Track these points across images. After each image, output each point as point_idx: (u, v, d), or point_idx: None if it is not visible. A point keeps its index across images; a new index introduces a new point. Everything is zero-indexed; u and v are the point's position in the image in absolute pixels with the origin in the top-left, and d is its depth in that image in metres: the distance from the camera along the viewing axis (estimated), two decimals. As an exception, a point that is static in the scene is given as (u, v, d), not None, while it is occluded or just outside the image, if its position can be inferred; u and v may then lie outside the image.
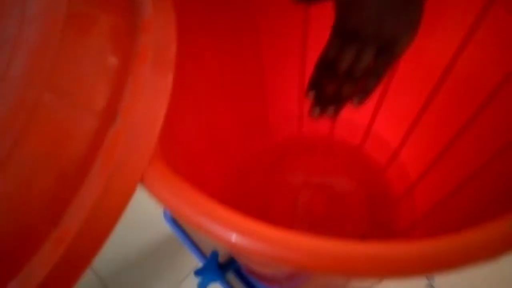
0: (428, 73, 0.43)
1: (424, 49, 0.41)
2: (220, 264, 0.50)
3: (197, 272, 0.48)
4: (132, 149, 0.21)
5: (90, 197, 0.20)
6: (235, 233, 0.19)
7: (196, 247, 0.55)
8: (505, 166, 0.33)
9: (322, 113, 0.38)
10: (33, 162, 0.19)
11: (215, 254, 0.49)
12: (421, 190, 0.50)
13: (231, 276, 0.52)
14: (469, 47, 0.38)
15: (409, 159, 0.52)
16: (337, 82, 0.36)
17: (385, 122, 0.53)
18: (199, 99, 0.44)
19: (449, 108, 0.42)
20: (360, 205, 0.54)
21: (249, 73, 0.50)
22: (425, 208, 0.48)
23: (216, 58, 0.44)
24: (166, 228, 0.99)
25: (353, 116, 0.55)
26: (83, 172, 0.20)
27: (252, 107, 0.54)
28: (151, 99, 0.22)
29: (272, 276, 0.43)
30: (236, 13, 0.42)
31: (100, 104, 0.21)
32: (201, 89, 0.44)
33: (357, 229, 0.52)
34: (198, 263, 0.53)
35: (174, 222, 0.55)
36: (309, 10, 0.44)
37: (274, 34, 0.47)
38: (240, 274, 0.52)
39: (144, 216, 0.99)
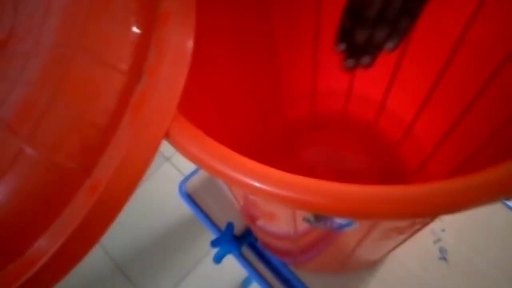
0: (440, 46, 0.43)
1: (435, 19, 0.41)
2: (235, 236, 0.51)
3: (213, 243, 0.49)
4: (157, 105, 0.22)
5: (120, 149, 0.21)
6: (257, 179, 0.20)
7: (212, 222, 0.56)
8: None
9: (356, 64, 0.36)
10: (68, 115, 0.21)
11: (230, 226, 0.51)
12: (434, 164, 0.50)
13: (246, 250, 0.53)
14: (479, 16, 0.37)
15: (423, 132, 0.52)
16: (368, 29, 0.34)
17: (399, 97, 0.53)
18: (213, 75, 0.45)
19: (460, 80, 0.42)
20: (373, 179, 0.54)
21: (263, 51, 0.50)
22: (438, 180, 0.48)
23: (229, 35, 0.45)
24: (181, 208, 1.01)
25: (366, 92, 0.56)
26: (113, 125, 0.22)
27: (266, 84, 0.55)
28: (173, 60, 0.23)
29: (287, 249, 0.44)
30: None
31: (127, 63, 0.22)
32: (215, 65, 0.44)
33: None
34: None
35: (189, 198, 0.56)
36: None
37: (287, 11, 0.47)
38: (255, 248, 0.53)
39: (159, 196, 1.02)
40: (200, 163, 0.22)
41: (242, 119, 0.53)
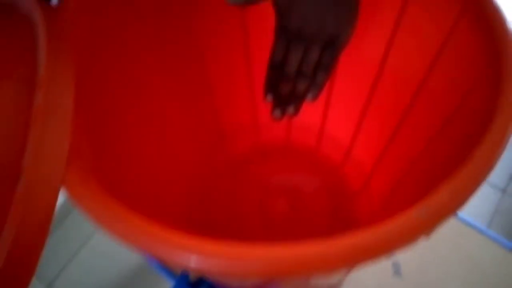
0: (366, 70, 0.46)
1: (359, 47, 0.43)
2: (191, 283, 0.50)
3: (169, 292, 0.48)
4: (35, 205, 0.22)
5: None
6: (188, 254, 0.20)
7: (166, 269, 0.54)
8: (443, 145, 0.36)
9: (283, 113, 0.39)
10: None
11: (184, 275, 0.49)
12: (376, 182, 0.52)
13: (205, 293, 0.51)
14: (394, 44, 0.41)
15: (361, 154, 0.54)
16: (290, 81, 0.37)
17: (335, 121, 0.55)
18: (148, 118, 0.44)
19: (388, 101, 0.45)
20: (321, 204, 0.55)
21: (197, 88, 0.51)
22: (380, 199, 0.50)
23: (160, 75, 0.45)
24: (134, 256, 0.96)
25: (305, 119, 0.58)
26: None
27: (206, 121, 0.55)
28: (50, 157, 0.22)
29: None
30: (175, 28, 0.43)
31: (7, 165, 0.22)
32: (149, 109, 0.44)
33: (321, 225, 0.53)
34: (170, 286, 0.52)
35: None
36: (247, 14, 0.46)
37: (216, 45, 0.48)
38: (214, 289, 0.51)
39: (111, 243, 0.97)
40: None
41: (187, 158, 0.52)
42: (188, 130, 0.51)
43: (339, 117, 0.54)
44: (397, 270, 0.52)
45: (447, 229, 0.54)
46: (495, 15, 0.30)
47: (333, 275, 0.33)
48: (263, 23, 0.42)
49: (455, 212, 0.21)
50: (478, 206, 1.07)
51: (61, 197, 0.23)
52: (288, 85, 0.38)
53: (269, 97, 0.38)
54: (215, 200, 0.57)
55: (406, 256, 0.53)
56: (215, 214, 0.55)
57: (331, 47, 0.35)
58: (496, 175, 1.13)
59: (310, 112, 0.56)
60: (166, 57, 0.44)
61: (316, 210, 0.55)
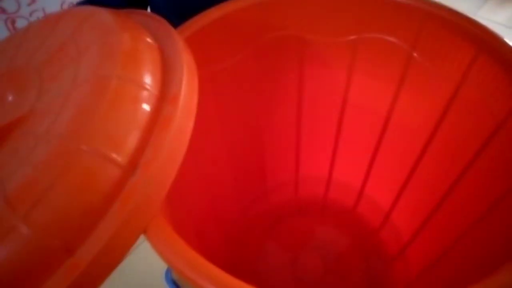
0: (414, 138, 0.47)
1: (409, 114, 0.46)
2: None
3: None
4: (145, 198, 0.25)
5: (104, 235, 0.23)
6: None
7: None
8: (495, 224, 0.36)
9: None
10: (64, 200, 0.23)
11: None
12: (414, 251, 0.52)
13: None
14: (448, 115, 0.42)
15: (400, 220, 0.54)
16: None
17: (376, 184, 0.56)
18: (203, 165, 0.47)
19: (435, 171, 0.46)
20: (356, 266, 0.55)
21: (250, 144, 0.53)
22: (419, 268, 0.50)
23: (219, 128, 0.48)
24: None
25: (346, 179, 0.59)
26: (101, 213, 0.24)
27: (252, 173, 0.57)
28: (167, 157, 0.26)
29: None
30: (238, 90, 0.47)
31: (125, 159, 0.25)
32: (205, 156, 0.47)
33: (355, 289, 0.53)
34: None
35: (176, 284, 0.54)
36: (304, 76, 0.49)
37: (270, 105, 0.51)
38: None
39: (146, 278, 0.96)
40: (178, 273, 0.23)
41: (229, 205, 0.54)
42: (236, 180, 0.53)
43: (381, 180, 0.55)
44: None
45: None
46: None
47: None
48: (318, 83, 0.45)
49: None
50: None
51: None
52: None
53: None
54: (250, 247, 0.57)
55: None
56: (248, 265, 0.56)
57: None
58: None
59: (351, 171, 0.58)
60: (221, 108, 0.47)
61: (350, 273, 0.55)
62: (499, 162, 0.37)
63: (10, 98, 0.28)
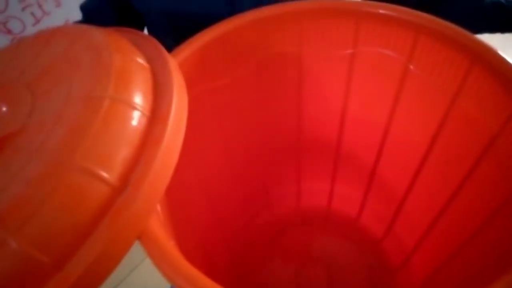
0: (413, 149, 0.48)
1: (407, 125, 0.46)
2: None
3: None
4: (134, 213, 0.25)
5: (93, 249, 0.24)
6: None
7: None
8: (495, 232, 0.37)
9: None
10: (55, 217, 0.24)
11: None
12: (417, 261, 0.52)
13: None
14: (446, 126, 0.43)
15: (403, 230, 0.55)
16: None
17: (379, 195, 0.57)
18: (205, 179, 0.47)
19: (435, 181, 0.47)
20: (360, 277, 0.55)
21: (251, 157, 0.54)
22: (422, 277, 0.50)
23: (220, 142, 0.48)
24: None
25: (348, 191, 0.59)
26: (91, 228, 0.24)
27: (254, 186, 0.58)
28: (155, 178, 0.26)
29: None
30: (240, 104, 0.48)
31: (116, 177, 0.26)
32: (206, 170, 0.47)
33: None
34: None
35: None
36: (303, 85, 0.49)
37: (271, 119, 0.52)
38: None
39: (151, 284, 0.97)
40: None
41: (231, 215, 0.55)
42: (238, 191, 0.54)
43: (383, 190, 0.56)
44: None
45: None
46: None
47: None
48: (317, 99, 0.46)
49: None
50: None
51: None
52: None
53: None
54: (254, 258, 0.58)
55: None
56: (252, 277, 0.56)
57: None
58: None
59: (353, 182, 0.58)
60: (226, 120, 0.48)
61: (353, 284, 0.55)
62: (498, 171, 0.38)
63: (4, 108, 0.29)
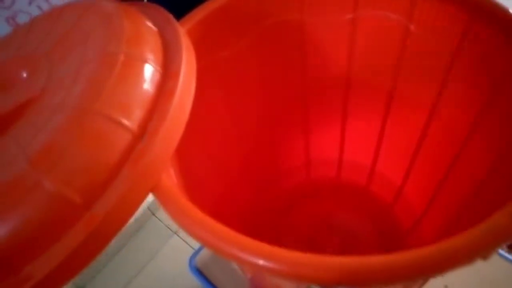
0: (417, 110, 0.48)
1: (411, 86, 0.47)
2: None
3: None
4: (152, 160, 0.27)
5: (117, 192, 0.25)
6: (262, 258, 0.23)
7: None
8: (501, 183, 0.37)
9: None
10: (81, 159, 0.26)
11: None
12: (427, 223, 0.53)
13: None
14: (449, 84, 0.43)
15: (413, 194, 0.55)
16: None
17: (386, 161, 0.57)
18: (213, 151, 0.49)
19: (441, 139, 0.47)
20: (372, 242, 0.56)
21: (258, 129, 0.55)
22: (434, 239, 0.50)
23: (227, 115, 0.50)
24: (191, 283, 0.97)
25: (357, 158, 0.60)
26: (114, 172, 0.26)
27: (263, 159, 0.59)
28: (170, 128, 0.28)
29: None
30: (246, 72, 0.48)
31: (135, 125, 0.27)
32: (215, 143, 0.49)
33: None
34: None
35: (199, 272, 0.57)
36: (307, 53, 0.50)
37: (276, 89, 0.53)
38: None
39: (169, 268, 0.99)
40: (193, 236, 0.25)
41: (242, 188, 0.56)
42: (248, 163, 0.55)
43: (390, 157, 0.56)
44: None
45: (500, 273, 0.53)
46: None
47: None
48: (321, 66, 0.46)
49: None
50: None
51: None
52: None
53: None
54: (265, 232, 0.59)
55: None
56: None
57: None
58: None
59: (361, 150, 0.59)
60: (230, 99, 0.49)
61: (366, 250, 0.56)
62: (500, 125, 0.38)
63: (24, 75, 0.31)
